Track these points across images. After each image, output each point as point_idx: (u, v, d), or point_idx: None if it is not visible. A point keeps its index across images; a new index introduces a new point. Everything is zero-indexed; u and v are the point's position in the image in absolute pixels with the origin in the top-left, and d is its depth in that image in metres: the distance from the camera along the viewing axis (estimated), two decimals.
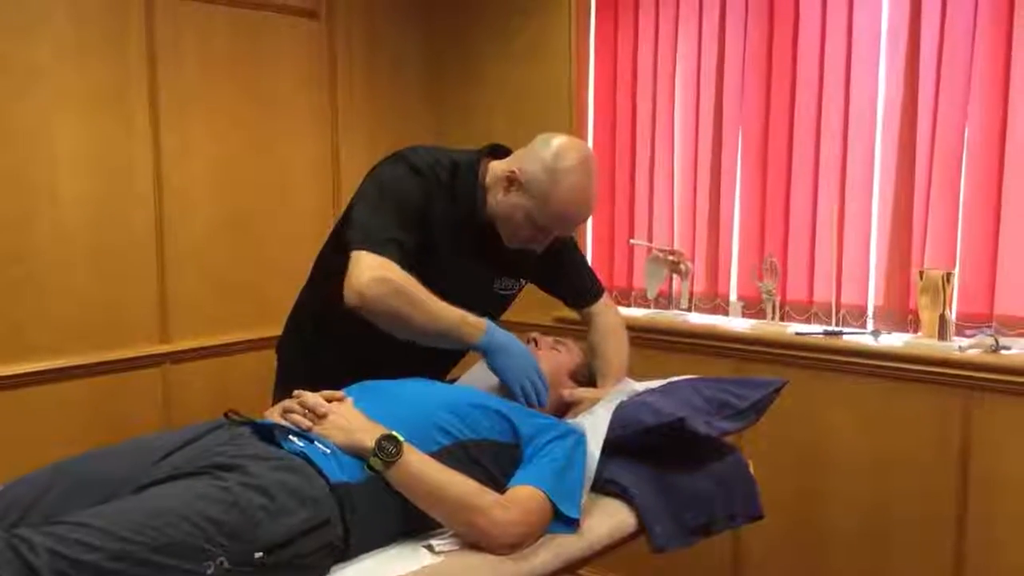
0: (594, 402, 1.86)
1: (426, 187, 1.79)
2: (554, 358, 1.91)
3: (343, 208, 3.17)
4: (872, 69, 2.58)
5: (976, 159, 2.40)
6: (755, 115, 2.81)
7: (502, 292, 1.97)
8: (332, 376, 1.69)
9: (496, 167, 1.85)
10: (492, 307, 1.91)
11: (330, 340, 1.96)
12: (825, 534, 2.65)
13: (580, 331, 2.15)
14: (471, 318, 1.73)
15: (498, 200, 1.82)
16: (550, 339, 2.00)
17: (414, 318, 1.67)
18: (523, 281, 2.01)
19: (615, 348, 2.04)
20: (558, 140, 1.81)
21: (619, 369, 2.00)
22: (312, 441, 1.47)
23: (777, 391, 1.89)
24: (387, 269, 1.66)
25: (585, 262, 2.17)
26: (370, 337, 1.70)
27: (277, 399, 1.68)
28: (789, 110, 2.73)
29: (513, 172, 1.79)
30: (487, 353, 1.74)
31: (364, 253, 1.68)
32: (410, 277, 1.68)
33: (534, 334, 1.98)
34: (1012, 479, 2.32)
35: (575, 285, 2.12)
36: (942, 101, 2.43)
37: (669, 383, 1.97)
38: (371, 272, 1.65)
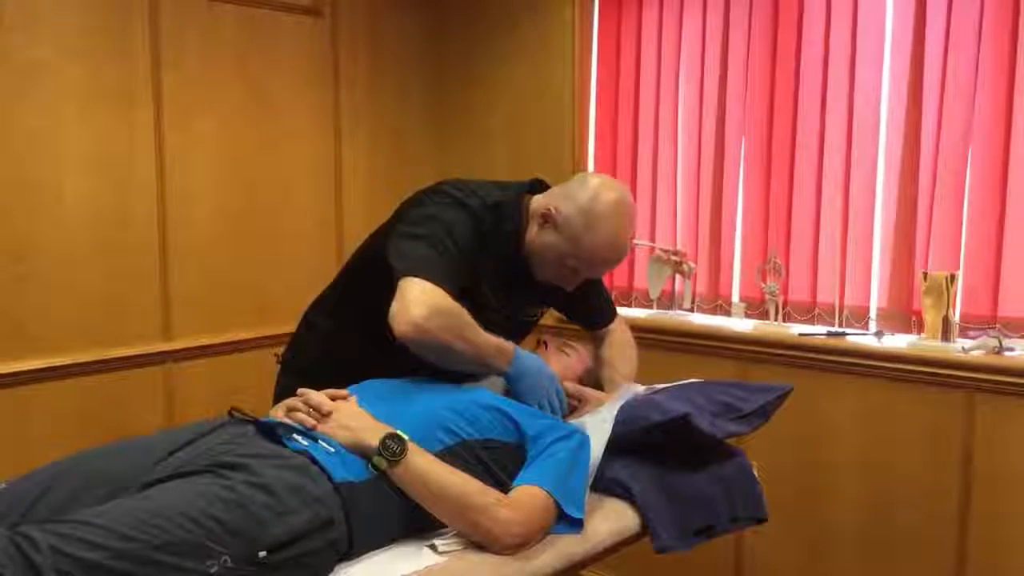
0: (599, 403, 1.86)
1: (477, 230, 1.78)
2: (563, 362, 1.92)
3: (344, 208, 3.24)
4: (876, 69, 2.58)
5: (980, 160, 2.39)
6: (759, 114, 2.80)
7: (527, 319, 1.99)
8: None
9: (535, 202, 1.84)
10: (517, 334, 1.92)
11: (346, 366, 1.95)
12: (828, 534, 2.65)
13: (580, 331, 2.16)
14: (504, 346, 1.73)
15: (533, 235, 1.81)
16: (559, 341, 2.00)
17: (461, 352, 1.66)
18: (545, 307, 2.03)
19: (625, 361, 2.05)
20: (595, 181, 1.80)
21: (627, 380, 2.00)
22: (316, 440, 1.47)
23: (783, 397, 1.89)
24: (442, 299, 1.63)
25: (604, 287, 2.17)
26: (385, 360, 1.69)
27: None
28: (793, 110, 2.73)
29: (549, 210, 1.78)
30: (511, 380, 1.74)
31: (418, 280, 1.63)
32: (460, 308, 1.65)
33: (545, 336, 1.98)
34: (1015, 480, 2.31)
35: (594, 311, 2.12)
36: (946, 102, 2.43)
37: (676, 385, 1.97)
38: (427, 304, 1.60)
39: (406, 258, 1.69)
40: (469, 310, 1.68)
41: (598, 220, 1.75)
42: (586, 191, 1.77)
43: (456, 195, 1.80)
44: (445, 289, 1.64)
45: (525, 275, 1.86)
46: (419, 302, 1.60)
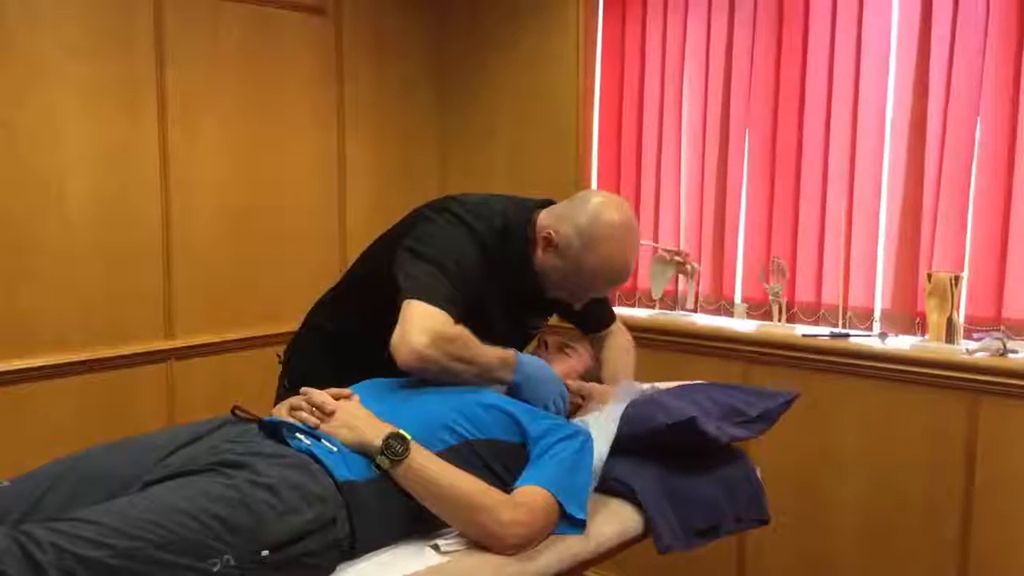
0: (603, 395, 1.86)
1: (484, 255, 1.78)
2: (564, 362, 1.91)
3: (348, 206, 3.24)
4: (882, 70, 2.57)
5: (986, 161, 2.39)
6: (763, 115, 2.80)
7: (531, 330, 2.00)
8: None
9: (540, 221, 1.83)
10: (520, 343, 1.92)
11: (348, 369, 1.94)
12: (830, 536, 2.64)
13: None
14: (506, 357, 1.73)
15: (537, 257, 1.81)
16: (560, 342, 1.99)
17: (465, 372, 1.67)
18: (548, 316, 2.03)
19: (624, 363, 2.06)
20: (594, 202, 1.78)
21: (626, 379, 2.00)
22: (319, 439, 1.47)
23: (788, 403, 1.89)
24: (444, 323, 1.63)
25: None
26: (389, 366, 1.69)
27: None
28: (798, 110, 2.72)
29: (549, 233, 1.78)
30: (516, 387, 1.74)
31: (420, 304, 1.64)
32: (463, 331, 1.66)
33: (546, 336, 1.97)
34: (1018, 482, 2.31)
35: (593, 316, 2.11)
36: (952, 103, 2.43)
37: (681, 385, 1.97)
38: (428, 331, 1.60)
39: (410, 279, 1.69)
40: (473, 331, 1.68)
41: (598, 242, 1.75)
42: (585, 212, 1.76)
43: (464, 216, 1.80)
44: (448, 312, 1.65)
45: (531, 291, 1.86)
46: (421, 329, 1.61)
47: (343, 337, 1.99)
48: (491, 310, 1.80)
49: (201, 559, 1.21)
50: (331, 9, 3.18)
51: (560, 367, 1.88)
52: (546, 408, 1.73)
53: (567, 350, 1.96)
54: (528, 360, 1.77)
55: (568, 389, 1.86)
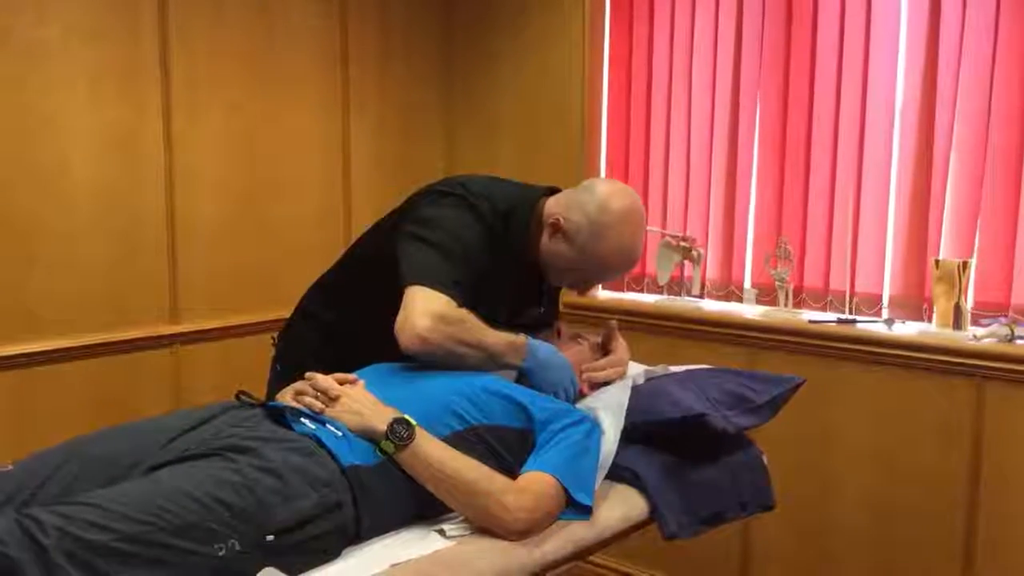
0: (617, 367, 1.86)
1: (488, 237, 1.77)
2: (576, 351, 1.91)
3: (352, 191, 3.23)
4: (891, 53, 2.55)
5: (995, 147, 2.37)
6: (772, 100, 2.78)
7: (527, 316, 1.99)
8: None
9: (547, 208, 1.82)
10: (515, 328, 1.91)
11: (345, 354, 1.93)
12: (834, 523, 2.64)
13: (587, 317, 2.14)
14: (515, 341, 1.72)
15: (544, 243, 1.81)
16: (572, 331, 1.99)
17: (471, 356, 1.66)
18: (542, 308, 2.03)
19: None
20: (603, 189, 1.79)
21: None
22: (324, 424, 1.47)
23: (794, 389, 1.88)
24: (447, 307, 1.63)
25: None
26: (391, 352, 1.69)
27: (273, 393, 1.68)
28: (807, 95, 2.71)
29: (558, 220, 1.78)
30: (527, 373, 1.73)
31: (423, 289, 1.64)
32: (467, 314, 1.65)
33: (559, 324, 1.97)
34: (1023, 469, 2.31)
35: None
36: (962, 88, 2.41)
37: (687, 371, 1.96)
38: (431, 314, 1.60)
39: (413, 264, 1.69)
40: (475, 315, 1.67)
41: (607, 229, 1.75)
42: (594, 200, 1.77)
43: (468, 198, 1.79)
44: (452, 295, 1.64)
45: (533, 278, 1.86)
46: (423, 312, 1.60)
47: (342, 329, 1.98)
48: (490, 294, 1.79)
49: (206, 543, 1.21)
50: None
51: (572, 354, 1.88)
52: (556, 395, 1.72)
53: (579, 339, 1.96)
54: (539, 346, 1.76)
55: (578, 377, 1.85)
